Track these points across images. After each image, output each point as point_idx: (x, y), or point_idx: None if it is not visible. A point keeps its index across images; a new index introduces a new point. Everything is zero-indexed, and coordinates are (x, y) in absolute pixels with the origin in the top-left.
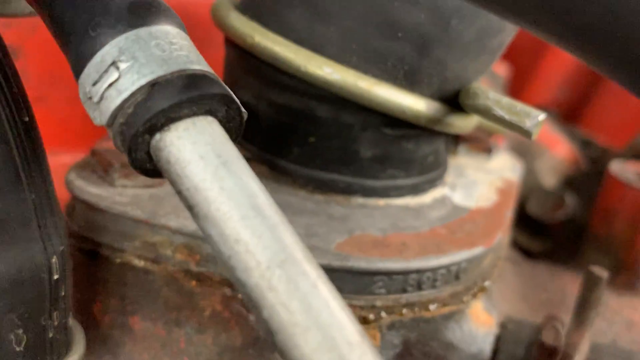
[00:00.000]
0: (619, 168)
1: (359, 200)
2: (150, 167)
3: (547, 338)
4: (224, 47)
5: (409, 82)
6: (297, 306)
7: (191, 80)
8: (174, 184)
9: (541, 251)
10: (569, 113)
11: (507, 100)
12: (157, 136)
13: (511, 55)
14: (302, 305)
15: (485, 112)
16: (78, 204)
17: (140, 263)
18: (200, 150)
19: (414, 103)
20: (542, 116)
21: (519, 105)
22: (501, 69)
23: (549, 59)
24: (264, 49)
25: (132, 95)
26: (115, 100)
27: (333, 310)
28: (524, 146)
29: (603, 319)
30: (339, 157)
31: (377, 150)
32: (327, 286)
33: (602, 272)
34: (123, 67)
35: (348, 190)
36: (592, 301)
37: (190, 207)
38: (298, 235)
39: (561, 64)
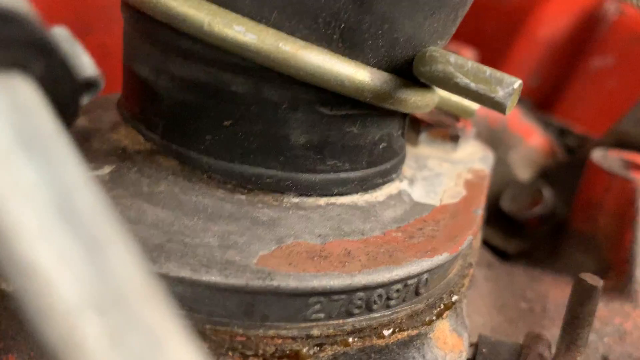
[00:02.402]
0: (601, 156)
1: (293, 199)
2: None
3: None
4: (120, 11)
5: (348, 45)
6: None
7: None
8: None
9: (517, 252)
10: (542, 101)
11: (473, 64)
12: None
13: (479, 39)
14: None
15: (446, 81)
16: None
17: (9, 287)
18: None
19: (355, 72)
20: (517, 84)
21: (489, 71)
22: (469, 54)
23: (520, 44)
24: (156, 4)
25: None
26: None
27: None
28: (496, 135)
29: (592, 330)
30: (264, 146)
31: (313, 136)
32: (181, 346)
33: (595, 280)
34: None
35: (278, 187)
36: (585, 316)
37: None
38: (139, 262)
39: (533, 49)
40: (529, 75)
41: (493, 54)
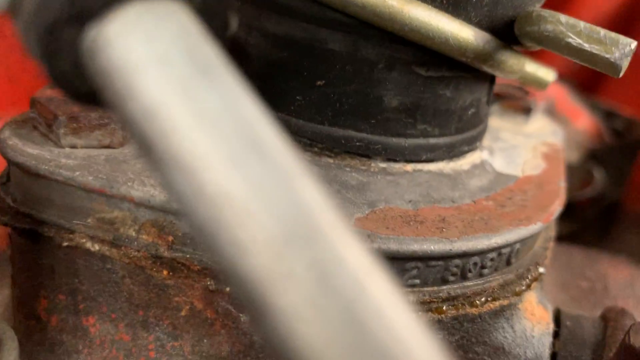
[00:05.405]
0: None
1: (380, 164)
2: (82, 85)
3: (638, 342)
4: None
5: (453, 2)
6: (334, 318)
7: None
8: (117, 109)
9: (568, 233)
10: (586, 83)
11: (585, 24)
12: (91, 30)
13: None
14: (343, 317)
15: (556, 42)
16: (14, 169)
17: (94, 247)
18: (162, 49)
19: (460, 30)
20: (633, 44)
21: (602, 31)
22: None
23: None
24: None
25: None
26: None
27: (398, 330)
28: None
29: None
30: (356, 107)
31: (406, 98)
32: (383, 285)
33: None
34: None
35: (367, 151)
36: None
37: (143, 146)
38: (326, 195)
39: None
40: None
41: None
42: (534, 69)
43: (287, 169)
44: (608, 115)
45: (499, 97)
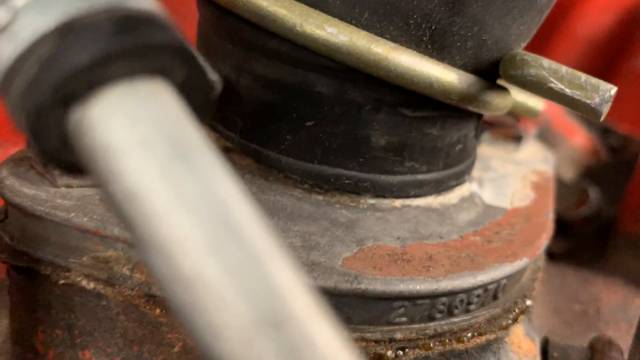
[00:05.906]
0: None
1: (369, 200)
2: (69, 159)
3: None
4: (197, 6)
5: (437, 47)
6: None
7: (127, 22)
8: (102, 187)
9: (563, 252)
10: None
11: (567, 69)
12: (76, 111)
13: None
14: None
15: (539, 86)
16: (11, 209)
17: (89, 285)
18: (143, 133)
19: (444, 74)
20: (613, 90)
21: (584, 76)
22: None
23: (559, 41)
24: (246, 3)
25: (34, 46)
26: (8, 54)
27: None
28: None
29: None
30: (344, 146)
31: (393, 137)
32: None
33: None
34: (18, 3)
35: (356, 189)
36: None
37: (127, 225)
38: (300, 276)
39: (572, 46)
40: None
41: (531, 51)
42: (523, 99)
43: (261, 252)
44: (604, 132)
45: (490, 125)
